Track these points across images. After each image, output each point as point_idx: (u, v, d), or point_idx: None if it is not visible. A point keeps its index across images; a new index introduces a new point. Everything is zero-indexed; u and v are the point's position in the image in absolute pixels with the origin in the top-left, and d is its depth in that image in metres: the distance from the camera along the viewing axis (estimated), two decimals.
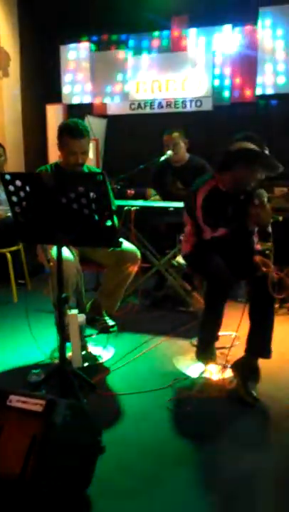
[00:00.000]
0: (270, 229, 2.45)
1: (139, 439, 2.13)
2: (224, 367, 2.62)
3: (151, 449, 2.05)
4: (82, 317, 2.56)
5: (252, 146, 2.46)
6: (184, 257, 2.92)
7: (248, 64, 5.01)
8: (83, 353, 2.84)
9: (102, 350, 3.02)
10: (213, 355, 2.64)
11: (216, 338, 2.64)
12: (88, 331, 3.04)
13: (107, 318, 3.00)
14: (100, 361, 2.89)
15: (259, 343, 2.50)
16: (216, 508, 1.73)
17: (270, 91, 4.93)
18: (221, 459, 2.02)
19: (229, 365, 2.60)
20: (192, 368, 2.72)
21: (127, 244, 2.82)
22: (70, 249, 2.72)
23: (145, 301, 3.98)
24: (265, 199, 2.40)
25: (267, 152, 2.47)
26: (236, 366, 2.56)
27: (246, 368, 2.51)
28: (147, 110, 5.44)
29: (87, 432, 1.73)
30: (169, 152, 3.91)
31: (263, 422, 2.32)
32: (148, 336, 3.25)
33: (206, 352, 2.62)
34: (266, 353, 2.50)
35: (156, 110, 5.41)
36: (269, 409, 2.39)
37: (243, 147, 2.47)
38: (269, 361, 2.52)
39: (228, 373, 2.61)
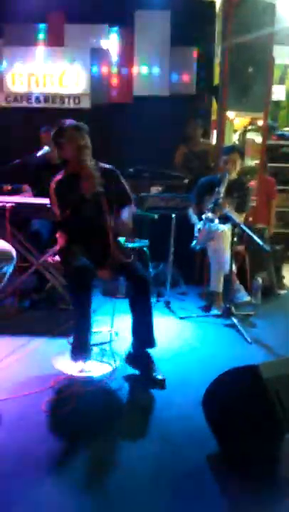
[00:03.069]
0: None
1: (15, 444, 2.04)
2: (104, 362, 2.65)
3: (28, 453, 1.98)
4: None
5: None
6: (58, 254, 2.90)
7: (126, 64, 5.09)
8: None
9: None
10: (87, 351, 2.59)
11: (90, 332, 2.60)
12: None
13: None
14: None
15: (143, 334, 2.60)
16: (95, 508, 1.72)
17: (145, 93, 5.07)
18: (98, 456, 2.02)
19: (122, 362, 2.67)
20: (72, 367, 2.67)
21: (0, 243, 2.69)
22: None
23: (24, 302, 3.84)
24: (93, 171, 2.61)
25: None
26: (130, 360, 2.66)
27: (140, 358, 2.61)
28: (24, 104, 5.25)
29: None
30: (46, 148, 3.81)
31: (143, 414, 2.36)
32: (26, 338, 3.14)
33: (80, 349, 2.57)
34: (150, 343, 2.60)
35: (34, 105, 5.25)
36: (149, 401, 2.45)
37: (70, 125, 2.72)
38: None
39: (108, 368, 2.63)
